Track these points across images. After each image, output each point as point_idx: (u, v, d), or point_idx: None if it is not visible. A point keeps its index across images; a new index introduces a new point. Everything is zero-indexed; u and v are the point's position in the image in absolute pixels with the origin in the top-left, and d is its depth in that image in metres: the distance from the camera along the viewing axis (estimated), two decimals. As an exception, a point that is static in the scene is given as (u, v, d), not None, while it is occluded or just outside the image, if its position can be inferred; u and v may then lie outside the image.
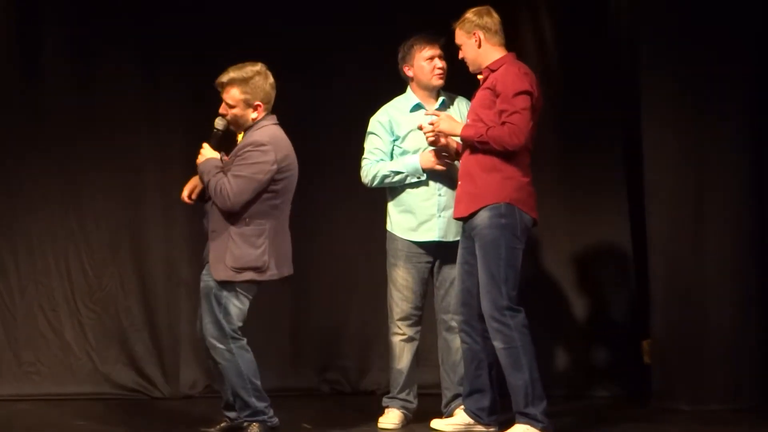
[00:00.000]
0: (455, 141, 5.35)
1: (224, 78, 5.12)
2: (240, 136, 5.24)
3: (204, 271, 5.13)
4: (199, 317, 5.26)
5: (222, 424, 5.32)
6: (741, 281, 5.89)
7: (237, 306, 5.07)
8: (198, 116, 6.44)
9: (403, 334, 5.65)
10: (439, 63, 5.61)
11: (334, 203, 6.88)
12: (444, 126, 5.24)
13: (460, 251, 5.24)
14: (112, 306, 6.79)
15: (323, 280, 6.87)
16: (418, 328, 5.67)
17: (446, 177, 5.57)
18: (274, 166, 5.05)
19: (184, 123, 6.75)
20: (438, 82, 5.64)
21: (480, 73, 5.24)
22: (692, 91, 6.03)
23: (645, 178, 6.18)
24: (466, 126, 5.16)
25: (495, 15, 5.19)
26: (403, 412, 5.64)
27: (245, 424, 5.12)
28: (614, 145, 6.68)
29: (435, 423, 5.38)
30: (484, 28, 5.14)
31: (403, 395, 5.65)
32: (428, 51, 5.60)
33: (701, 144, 6.01)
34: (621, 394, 6.41)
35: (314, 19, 6.87)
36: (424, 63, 5.62)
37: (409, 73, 5.68)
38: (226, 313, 5.05)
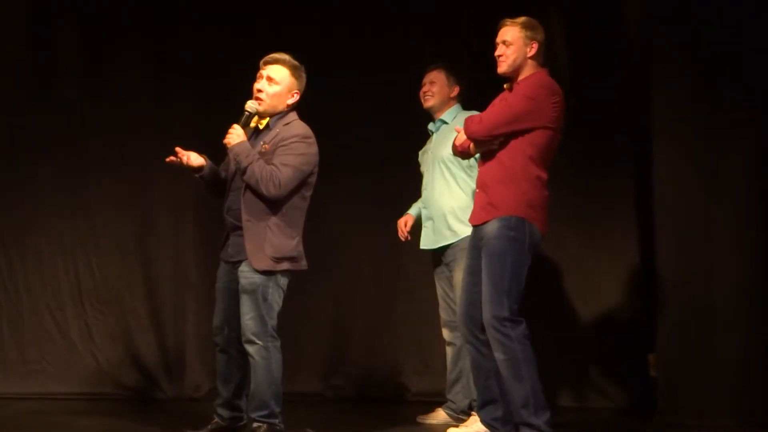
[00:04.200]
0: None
1: (278, 55, 5.18)
2: (263, 123, 5.21)
3: (243, 268, 5.06)
4: (222, 315, 5.22)
5: (212, 422, 5.31)
6: (748, 296, 5.85)
7: (278, 302, 5.11)
8: (206, 120, 6.48)
9: (446, 339, 5.96)
10: (426, 87, 6.04)
11: (342, 209, 6.89)
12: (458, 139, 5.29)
13: (467, 261, 5.20)
14: (119, 307, 6.82)
15: (329, 285, 6.88)
16: (456, 333, 5.78)
17: (433, 191, 5.86)
18: (316, 159, 5.16)
19: (192, 126, 6.78)
20: (423, 103, 6.06)
21: (508, 80, 5.18)
22: (704, 109, 6.00)
23: (654, 193, 6.17)
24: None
25: None
26: (447, 413, 5.92)
27: (255, 424, 5.09)
28: (624, 161, 6.67)
29: (451, 431, 5.39)
30: (541, 42, 5.06)
31: (449, 395, 5.92)
32: (423, 78, 6.07)
33: (711, 161, 5.98)
34: (626, 406, 6.39)
35: (320, 28, 6.90)
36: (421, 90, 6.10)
37: None
38: (270, 309, 5.06)
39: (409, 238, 6.04)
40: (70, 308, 6.82)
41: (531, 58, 5.04)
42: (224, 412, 5.30)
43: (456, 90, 6.02)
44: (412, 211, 6.11)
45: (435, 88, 6.01)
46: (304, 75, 5.22)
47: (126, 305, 6.82)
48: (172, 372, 6.77)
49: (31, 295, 6.82)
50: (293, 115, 5.22)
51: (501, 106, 5.00)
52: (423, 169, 6.10)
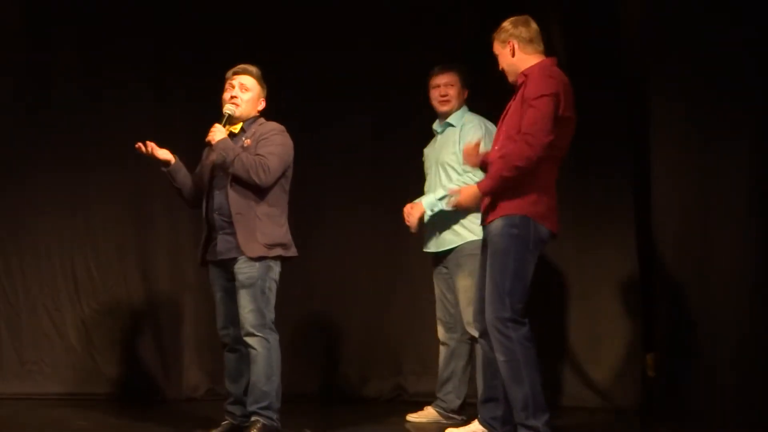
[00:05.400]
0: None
1: (246, 66, 5.44)
2: (237, 127, 5.39)
3: (239, 265, 5.18)
4: (225, 315, 5.30)
5: (223, 423, 5.33)
6: (747, 296, 5.83)
7: (274, 294, 5.25)
8: (201, 121, 6.44)
9: (440, 339, 6.05)
10: (443, 90, 5.98)
11: (341, 210, 6.88)
12: (462, 200, 5.07)
13: (481, 259, 5.15)
14: (116, 307, 6.82)
15: (326, 286, 6.87)
16: (451, 335, 5.97)
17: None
18: (293, 151, 5.39)
19: (192, 127, 6.75)
20: (440, 107, 6.02)
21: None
22: (703, 108, 5.98)
23: (653, 193, 6.16)
24: (480, 182, 5.00)
25: (532, 25, 5.09)
26: (437, 410, 5.99)
27: (253, 418, 5.13)
28: (623, 161, 6.65)
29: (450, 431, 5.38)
30: (519, 38, 5.05)
31: (440, 394, 6.00)
32: (435, 80, 6.02)
33: (711, 161, 5.97)
34: (624, 407, 6.37)
35: (320, 28, 6.89)
36: (432, 91, 6.03)
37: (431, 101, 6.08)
38: (267, 302, 5.21)
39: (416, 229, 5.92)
40: (68, 309, 6.81)
41: (516, 54, 5.05)
42: (236, 410, 5.34)
43: (466, 93, 6.04)
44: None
45: (453, 91, 5.98)
46: (265, 85, 5.48)
47: (124, 306, 6.81)
48: (170, 372, 6.76)
49: (28, 295, 6.82)
50: (263, 119, 5.47)
51: (534, 115, 4.81)
52: (426, 168, 6.12)
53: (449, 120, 5.98)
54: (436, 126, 6.10)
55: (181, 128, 6.84)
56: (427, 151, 6.16)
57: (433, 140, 6.14)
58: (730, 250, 5.86)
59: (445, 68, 6.02)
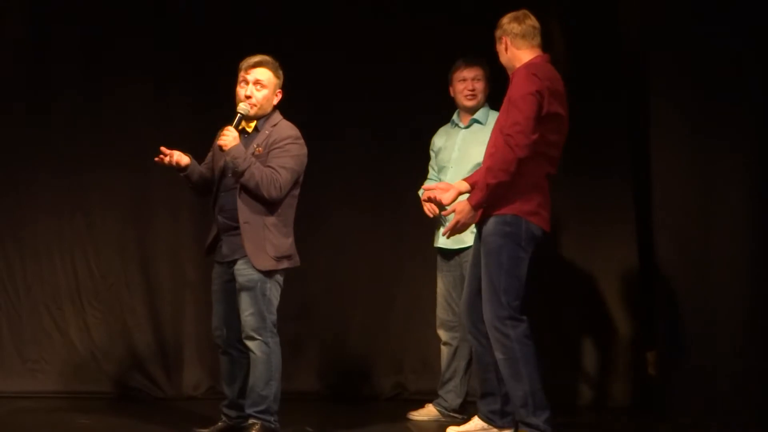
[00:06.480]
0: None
1: (259, 58, 5.21)
2: (251, 126, 5.23)
3: (240, 266, 5.10)
4: (220, 316, 5.26)
5: (219, 424, 5.33)
6: (748, 295, 5.84)
7: (276, 297, 5.16)
8: (203, 120, 6.47)
9: (441, 339, 6.01)
10: (470, 85, 5.84)
11: (340, 210, 6.89)
12: (462, 220, 5.01)
13: (472, 253, 5.20)
14: (117, 306, 6.81)
15: (327, 285, 6.87)
16: (454, 334, 5.94)
17: None
18: (306, 159, 5.22)
19: (190, 126, 6.77)
20: (467, 102, 5.89)
21: None
22: (703, 108, 6.00)
23: (653, 193, 6.17)
24: (471, 197, 5.00)
25: (527, 20, 5.06)
26: (437, 409, 5.97)
27: (251, 420, 5.11)
28: (623, 161, 6.67)
29: (450, 430, 5.37)
30: (510, 34, 5.05)
31: (441, 393, 5.98)
32: (462, 73, 5.87)
33: (710, 158, 5.98)
34: (624, 405, 6.39)
35: (321, 27, 6.90)
36: (458, 84, 5.88)
37: (452, 93, 5.94)
38: (269, 304, 5.12)
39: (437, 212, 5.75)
40: (69, 307, 6.80)
41: (509, 50, 5.07)
42: (231, 413, 5.32)
43: (488, 89, 5.92)
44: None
45: (480, 85, 5.88)
46: (281, 72, 5.26)
47: (124, 304, 6.81)
48: (171, 370, 6.76)
49: (29, 294, 6.81)
50: (278, 115, 5.28)
51: (515, 116, 4.84)
52: (439, 160, 5.98)
53: (476, 116, 5.89)
54: (456, 119, 5.97)
55: (182, 128, 6.83)
56: (441, 141, 6.00)
57: (447, 131, 6.01)
58: (730, 249, 5.87)
59: (472, 61, 5.88)
